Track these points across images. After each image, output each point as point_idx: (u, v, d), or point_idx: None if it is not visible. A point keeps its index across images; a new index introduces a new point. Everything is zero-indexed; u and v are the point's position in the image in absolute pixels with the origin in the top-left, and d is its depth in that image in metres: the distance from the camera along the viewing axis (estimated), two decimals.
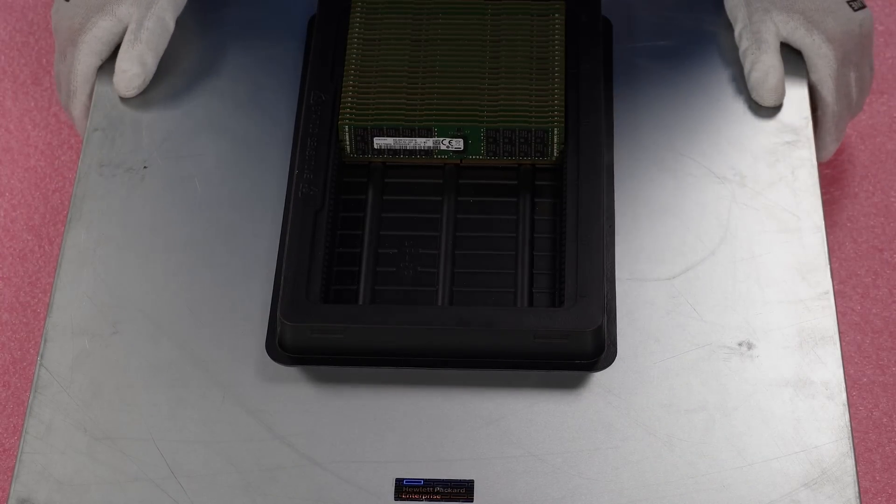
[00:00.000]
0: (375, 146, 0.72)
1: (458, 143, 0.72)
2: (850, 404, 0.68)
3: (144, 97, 0.77)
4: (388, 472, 0.63)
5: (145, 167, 0.74)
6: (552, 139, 0.71)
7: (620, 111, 0.76)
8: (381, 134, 0.72)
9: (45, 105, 0.91)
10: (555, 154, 0.72)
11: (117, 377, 0.67)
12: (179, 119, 0.76)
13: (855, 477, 0.63)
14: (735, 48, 0.78)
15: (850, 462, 0.63)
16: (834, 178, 0.86)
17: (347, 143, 0.72)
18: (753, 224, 0.71)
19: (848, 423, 0.65)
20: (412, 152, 0.72)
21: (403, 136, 0.72)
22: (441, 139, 0.72)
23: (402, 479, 0.63)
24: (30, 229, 0.86)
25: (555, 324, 0.65)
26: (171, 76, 0.78)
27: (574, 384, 0.66)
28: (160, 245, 0.71)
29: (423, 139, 0.72)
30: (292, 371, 0.66)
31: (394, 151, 0.72)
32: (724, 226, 0.71)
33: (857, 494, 0.63)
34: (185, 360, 0.67)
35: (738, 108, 0.76)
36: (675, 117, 0.76)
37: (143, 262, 0.71)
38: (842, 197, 0.85)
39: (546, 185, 0.72)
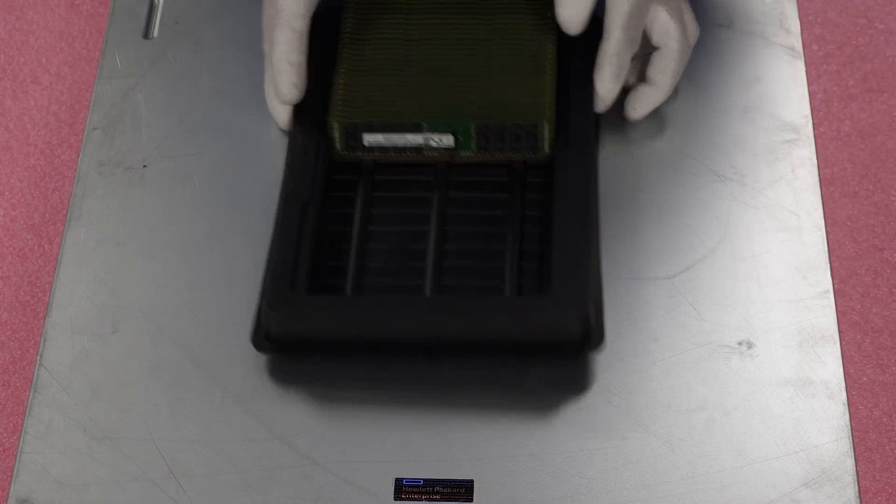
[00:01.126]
0: (366, 143, 0.72)
1: (448, 140, 0.71)
2: (850, 404, 0.68)
3: (144, 97, 0.77)
4: (387, 471, 0.63)
5: (145, 166, 0.74)
6: (543, 134, 0.71)
7: (620, 110, 0.75)
8: (371, 130, 0.71)
9: (44, 104, 0.91)
10: (546, 150, 0.71)
11: (117, 377, 0.67)
12: (179, 118, 0.76)
13: (855, 476, 0.63)
14: (734, 46, 0.78)
15: (850, 461, 0.63)
16: (834, 177, 0.86)
17: (338, 140, 0.72)
18: (753, 223, 0.71)
19: (848, 423, 0.65)
20: (403, 149, 0.72)
21: (393, 132, 0.71)
22: (431, 135, 0.71)
23: (401, 479, 0.63)
24: (29, 228, 0.86)
25: (540, 311, 0.65)
26: (171, 75, 0.78)
27: (574, 384, 0.66)
28: (160, 244, 0.71)
29: (413, 135, 0.71)
30: (293, 371, 0.66)
31: (384, 148, 0.72)
32: (723, 225, 0.71)
33: (857, 494, 0.63)
34: (185, 360, 0.67)
35: (738, 106, 0.76)
36: (675, 116, 0.76)
37: (142, 261, 0.71)
38: (842, 196, 0.85)
39: (537, 182, 0.72)
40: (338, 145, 0.72)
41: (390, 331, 0.66)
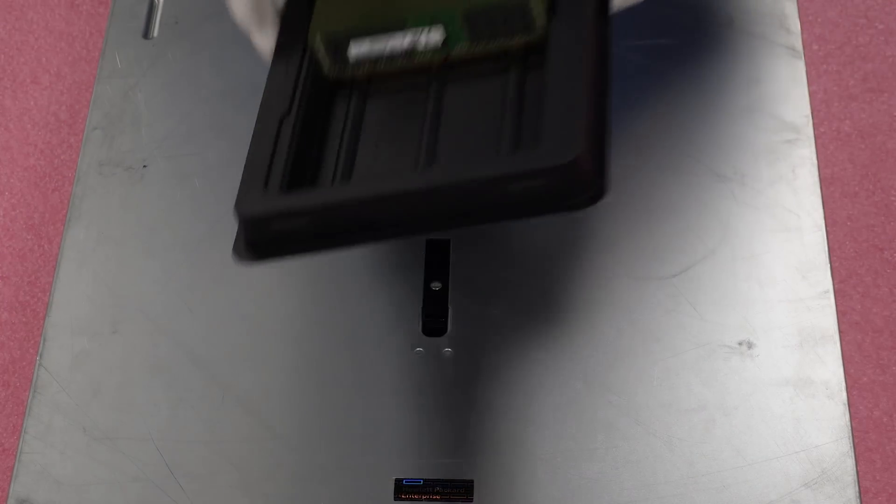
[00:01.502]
0: (352, 54, 0.68)
1: (436, 35, 0.66)
2: (850, 404, 0.68)
3: (144, 97, 0.77)
4: (387, 471, 0.63)
5: (145, 166, 0.74)
6: (532, 9, 0.65)
7: (620, 110, 0.76)
8: (355, 38, 0.67)
9: (44, 104, 0.91)
10: (540, 27, 0.65)
11: (117, 377, 0.67)
12: (179, 118, 0.76)
13: (855, 476, 0.63)
14: (734, 46, 0.78)
15: (851, 462, 0.63)
16: (834, 177, 0.86)
17: (324, 56, 0.67)
18: (754, 223, 0.71)
19: (848, 423, 0.65)
20: (393, 56, 0.69)
21: (378, 36, 0.68)
22: (418, 30, 0.68)
23: (401, 479, 0.63)
24: (29, 228, 0.86)
25: (529, 163, 0.58)
26: (170, 75, 0.78)
27: (574, 382, 0.66)
28: (160, 244, 0.71)
29: (399, 35, 0.68)
30: (293, 371, 0.66)
31: (374, 60, 0.69)
32: (724, 224, 0.71)
33: (858, 494, 0.63)
34: (185, 360, 0.67)
35: (739, 106, 0.76)
36: (676, 115, 0.76)
37: (142, 261, 0.71)
38: (842, 196, 0.85)
39: (537, 61, 0.65)
40: (325, 64, 0.69)
41: (372, 210, 0.59)
